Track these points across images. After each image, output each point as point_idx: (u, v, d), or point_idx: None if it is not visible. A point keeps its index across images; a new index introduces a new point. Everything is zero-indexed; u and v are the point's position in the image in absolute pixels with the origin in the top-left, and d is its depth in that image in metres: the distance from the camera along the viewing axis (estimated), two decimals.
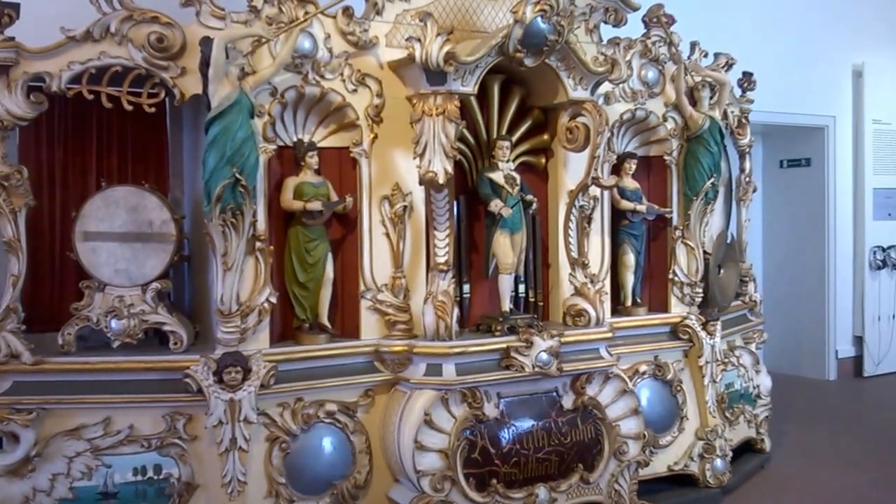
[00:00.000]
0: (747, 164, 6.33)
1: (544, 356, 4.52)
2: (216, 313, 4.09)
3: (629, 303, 5.45)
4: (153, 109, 4.14)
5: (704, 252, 5.61)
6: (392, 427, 4.38)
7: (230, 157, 3.93)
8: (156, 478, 4.12)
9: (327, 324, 4.47)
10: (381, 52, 4.49)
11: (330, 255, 4.45)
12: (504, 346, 4.50)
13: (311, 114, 4.43)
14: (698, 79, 5.52)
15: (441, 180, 4.25)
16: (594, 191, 5.01)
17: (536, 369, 4.51)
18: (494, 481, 4.46)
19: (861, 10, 9.04)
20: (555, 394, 4.68)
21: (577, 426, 4.71)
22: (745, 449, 6.11)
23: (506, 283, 4.72)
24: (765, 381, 6.21)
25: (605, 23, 5.13)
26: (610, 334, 4.86)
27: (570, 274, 4.91)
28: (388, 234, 4.52)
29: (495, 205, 4.60)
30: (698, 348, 5.48)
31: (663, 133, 5.47)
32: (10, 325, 3.99)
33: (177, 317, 4.26)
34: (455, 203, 4.58)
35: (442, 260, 4.39)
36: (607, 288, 5.18)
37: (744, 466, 5.88)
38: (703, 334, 5.48)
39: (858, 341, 9.20)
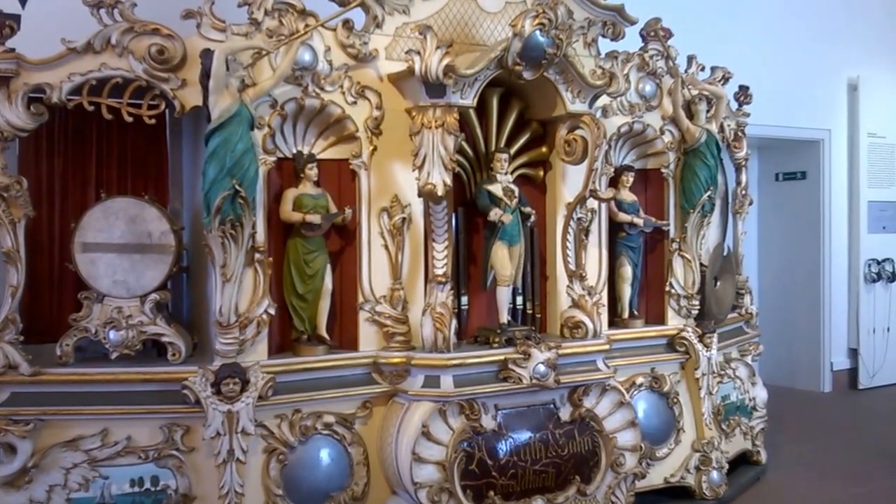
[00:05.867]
0: (744, 177, 6.37)
1: (542, 368, 4.53)
2: (215, 325, 4.09)
3: (626, 315, 5.47)
4: (153, 121, 4.15)
5: (701, 264, 5.63)
6: (390, 439, 4.38)
7: (230, 168, 3.94)
8: (153, 489, 4.11)
9: (326, 335, 4.47)
10: (380, 65, 4.51)
11: (329, 267, 4.45)
12: (502, 357, 4.50)
13: (311, 126, 4.44)
14: (695, 92, 5.55)
15: (440, 192, 4.26)
16: (592, 203, 5.03)
17: (534, 381, 4.51)
18: (492, 493, 4.46)
19: (856, 25, 9.10)
20: (552, 406, 4.68)
21: (575, 438, 4.71)
22: (742, 461, 6.12)
23: (504, 295, 4.74)
24: (760, 394, 6.22)
25: (604, 36, 5.16)
26: (607, 346, 4.87)
27: (568, 286, 4.92)
28: (386, 246, 4.53)
29: (495, 213, 4.62)
30: (695, 360, 5.50)
31: (660, 146, 5.50)
32: (8, 336, 3.98)
33: (175, 328, 4.26)
34: (454, 215, 4.60)
35: (440, 272, 4.40)
36: (605, 300, 5.19)
37: (740, 478, 5.88)
38: (699, 346, 5.49)
39: (853, 354, 9.22)
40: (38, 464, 3.99)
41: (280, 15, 4.25)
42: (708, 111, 5.58)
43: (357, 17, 4.48)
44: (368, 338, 4.51)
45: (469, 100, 4.37)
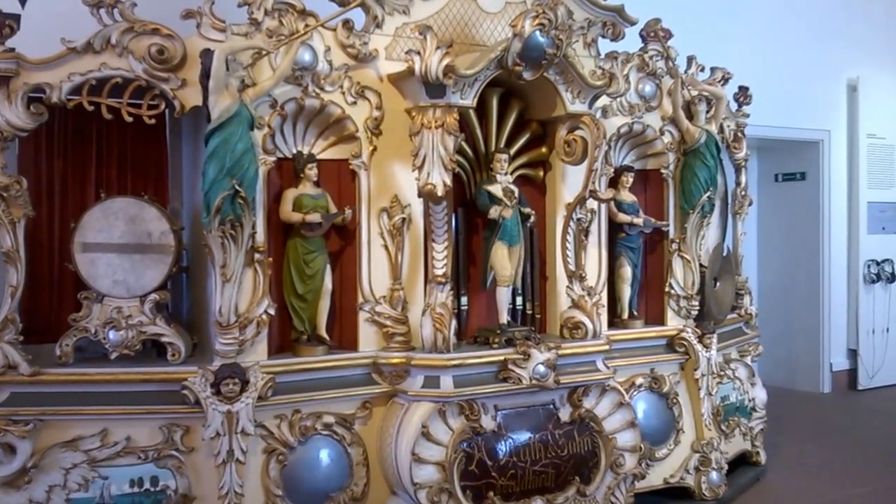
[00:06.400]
0: (743, 178, 6.37)
1: (541, 368, 4.52)
2: (214, 325, 4.09)
3: (626, 315, 5.46)
4: (153, 121, 4.15)
5: (701, 265, 5.63)
6: (389, 439, 4.38)
7: (230, 168, 3.94)
8: (153, 490, 4.10)
9: (325, 336, 4.47)
10: (380, 65, 4.51)
11: (328, 267, 4.45)
12: (501, 358, 4.50)
13: (311, 126, 4.44)
14: (695, 93, 5.55)
15: (440, 193, 4.26)
16: (592, 204, 5.03)
17: (534, 382, 4.51)
18: (491, 494, 4.46)
19: (856, 25, 9.10)
20: (552, 406, 4.68)
21: (574, 439, 4.71)
22: (741, 462, 6.12)
23: (504, 296, 4.73)
24: (760, 394, 6.22)
25: (603, 37, 5.16)
26: (607, 347, 4.87)
27: (568, 286, 4.92)
28: (386, 246, 4.53)
29: (495, 210, 4.61)
30: (694, 361, 5.50)
31: (660, 146, 5.50)
32: (7, 336, 3.98)
33: (175, 328, 4.26)
34: (453, 215, 4.60)
35: (440, 272, 4.40)
36: (604, 300, 5.19)
37: (739, 479, 5.88)
38: (699, 347, 5.49)
39: (853, 354, 9.22)
40: (37, 464, 3.99)
41: (280, 15, 4.25)
42: (707, 112, 5.58)
43: (357, 17, 4.48)
44: (368, 338, 4.50)
45: (469, 100, 4.37)
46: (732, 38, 7.70)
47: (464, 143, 4.63)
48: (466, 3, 4.72)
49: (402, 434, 4.32)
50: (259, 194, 4.18)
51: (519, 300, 4.93)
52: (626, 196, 5.41)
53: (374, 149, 4.49)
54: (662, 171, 5.56)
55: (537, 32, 4.33)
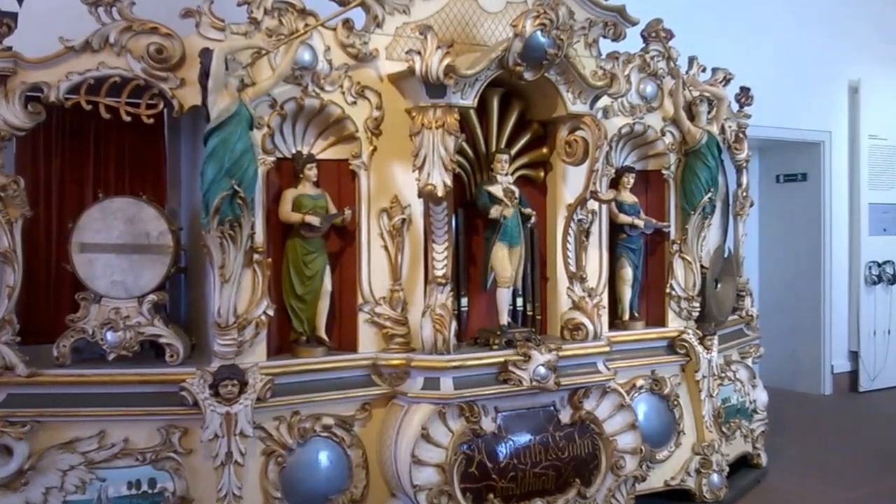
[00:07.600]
0: (744, 179, 6.35)
1: (542, 370, 4.51)
2: (213, 326, 4.07)
3: (626, 317, 5.45)
4: (151, 120, 4.13)
5: (702, 266, 5.61)
6: (389, 441, 4.36)
7: (229, 168, 3.92)
8: (150, 492, 4.08)
9: (325, 337, 4.45)
10: (380, 65, 4.49)
11: (328, 268, 4.43)
12: (502, 359, 4.49)
13: (311, 126, 4.43)
14: (696, 94, 5.54)
15: (440, 193, 4.24)
16: (592, 205, 5.01)
17: (534, 383, 4.49)
18: (491, 496, 4.44)
19: (858, 26, 9.08)
20: (552, 408, 4.66)
21: (575, 441, 4.69)
22: (742, 464, 6.10)
23: (504, 297, 4.71)
24: (761, 396, 6.21)
25: (604, 37, 5.14)
26: (607, 348, 4.85)
27: (568, 287, 4.90)
28: (386, 247, 4.51)
29: (496, 209, 4.60)
30: (695, 363, 5.48)
31: (661, 147, 5.49)
32: (4, 337, 3.95)
33: (173, 329, 4.24)
34: (454, 216, 4.58)
35: (440, 273, 4.38)
36: (605, 302, 5.17)
37: (740, 481, 5.86)
38: (700, 349, 5.47)
39: (854, 356, 9.20)
40: (34, 466, 3.96)
41: (280, 14, 4.23)
42: (709, 112, 5.56)
43: (357, 16, 4.47)
44: (368, 339, 4.49)
45: (469, 100, 4.35)
46: (734, 39, 7.66)
47: (464, 144, 4.61)
48: (467, 2, 4.70)
49: (401, 436, 4.30)
50: (258, 194, 4.16)
51: (519, 301, 4.91)
52: (627, 197, 5.39)
53: (374, 149, 4.47)
54: (663, 171, 5.54)
55: (538, 32, 4.32)
